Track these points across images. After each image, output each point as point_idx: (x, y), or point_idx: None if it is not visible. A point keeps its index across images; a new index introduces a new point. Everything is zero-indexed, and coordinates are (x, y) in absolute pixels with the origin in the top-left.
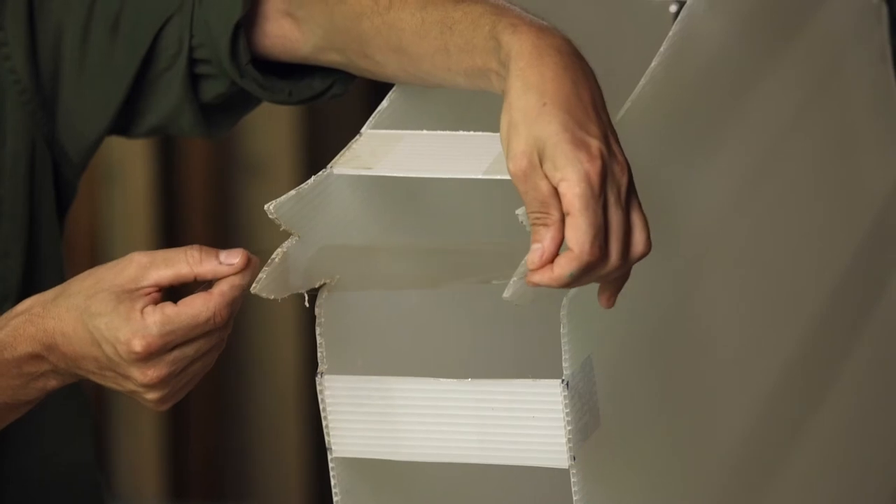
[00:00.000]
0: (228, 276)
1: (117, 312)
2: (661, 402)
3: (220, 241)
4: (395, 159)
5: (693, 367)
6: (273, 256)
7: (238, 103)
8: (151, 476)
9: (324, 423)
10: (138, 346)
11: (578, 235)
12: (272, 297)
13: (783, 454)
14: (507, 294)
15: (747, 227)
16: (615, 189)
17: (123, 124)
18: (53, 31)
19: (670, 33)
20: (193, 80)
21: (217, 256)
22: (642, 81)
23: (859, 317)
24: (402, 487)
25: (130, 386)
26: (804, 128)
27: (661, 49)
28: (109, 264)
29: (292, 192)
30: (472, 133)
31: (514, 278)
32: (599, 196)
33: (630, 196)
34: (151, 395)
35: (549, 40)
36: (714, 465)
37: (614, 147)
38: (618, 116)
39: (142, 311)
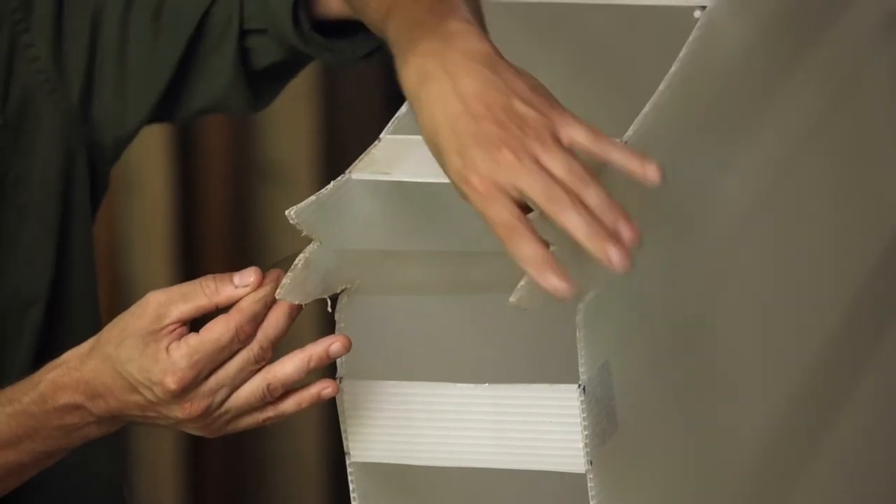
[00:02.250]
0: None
1: (146, 355)
2: (680, 408)
3: (239, 247)
4: (414, 165)
5: (712, 373)
6: (296, 262)
7: (285, 71)
8: (170, 484)
9: (342, 428)
10: (171, 383)
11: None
12: (296, 302)
13: (803, 461)
14: (513, 299)
15: (767, 233)
16: (533, 137)
17: (166, 111)
18: (88, 27)
19: (689, 39)
20: (244, 53)
21: (232, 281)
22: (661, 87)
23: (880, 324)
24: (419, 492)
25: (174, 422)
26: (824, 136)
27: (681, 55)
28: (131, 310)
29: (312, 198)
30: None
31: (521, 283)
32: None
33: (546, 126)
34: (197, 426)
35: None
36: (732, 472)
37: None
38: (635, 122)
39: (167, 350)
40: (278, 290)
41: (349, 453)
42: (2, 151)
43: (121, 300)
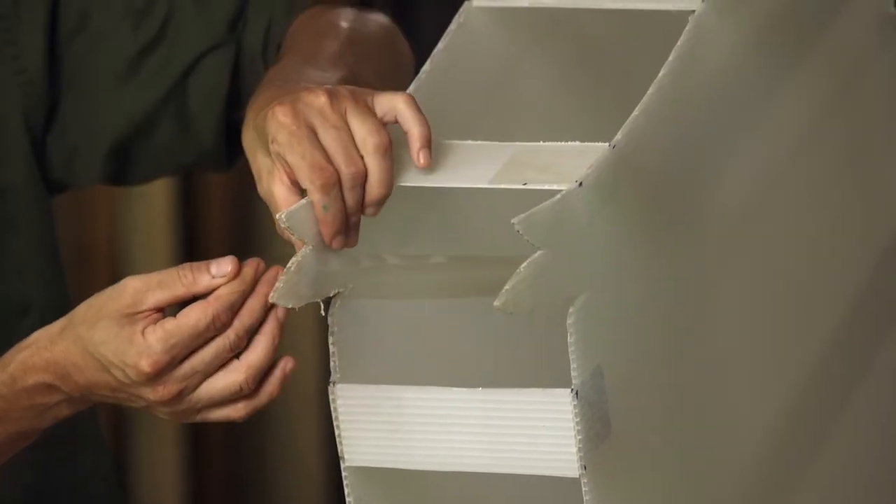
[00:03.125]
0: (224, 286)
1: (120, 338)
2: (674, 412)
3: (240, 249)
4: (406, 169)
5: (708, 376)
6: (289, 265)
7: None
8: (170, 487)
9: (336, 433)
10: (146, 366)
11: (296, 172)
12: (289, 305)
13: (802, 466)
14: (498, 302)
15: (765, 235)
16: (317, 116)
17: (118, 171)
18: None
19: (679, 42)
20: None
21: (209, 271)
22: (650, 90)
23: (882, 325)
24: (414, 496)
25: (145, 403)
26: (822, 138)
27: (670, 58)
28: (106, 291)
29: (304, 201)
30: (479, 142)
31: (506, 286)
32: (300, 134)
33: (341, 111)
34: (167, 411)
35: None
36: (729, 476)
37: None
38: (624, 126)
39: (143, 332)
40: (272, 294)
41: (344, 458)
42: None
43: None
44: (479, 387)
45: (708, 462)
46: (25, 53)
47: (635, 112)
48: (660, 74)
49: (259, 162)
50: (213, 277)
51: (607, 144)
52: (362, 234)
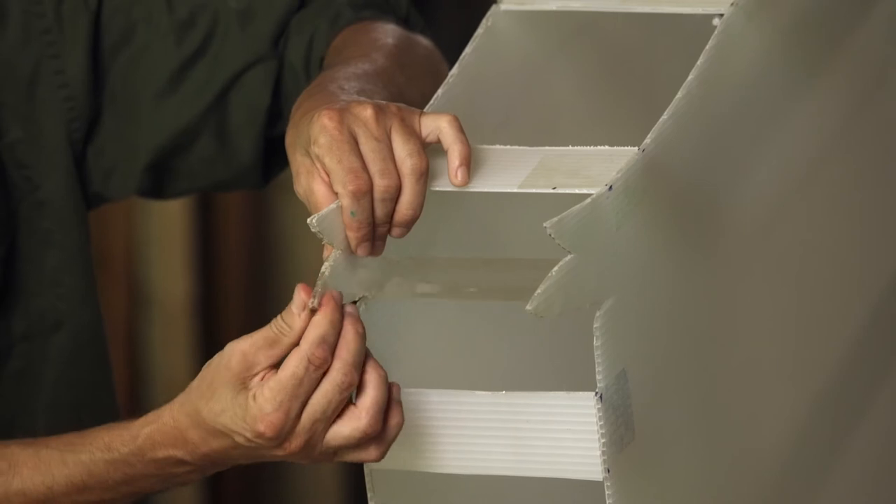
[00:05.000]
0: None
1: (236, 404)
2: (698, 416)
3: (255, 259)
4: (433, 173)
5: (732, 381)
6: (322, 270)
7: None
8: (187, 488)
9: None
10: (264, 429)
11: (331, 176)
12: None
13: (824, 469)
14: (530, 306)
15: (789, 241)
16: (361, 126)
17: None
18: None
19: (707, 46)
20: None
21: (292, 311)
22: (678, 95)
23: None
24: (437, 499)
25: (283, 456)
26: (848, 141)
27: (699, 62)
28: (214, 361)
29: (333, 206)
30: (508, 147)
31: (539, 290)
32: (341, 139)
33: (386, 127)
34: (305, 459)
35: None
36: (752, 481)
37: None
38: (653, 130)
39: (254, 397)
40: (311, 300)
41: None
42: (27, 168)
43: (137, 308)
44: (503, 390)
45: (730, 466)
46: (69, 68)
47: (664, 116)
48: (689, 78)
49: (298, 161)
50: (299, 315)
51: (636, 148)
52: (388, 238)
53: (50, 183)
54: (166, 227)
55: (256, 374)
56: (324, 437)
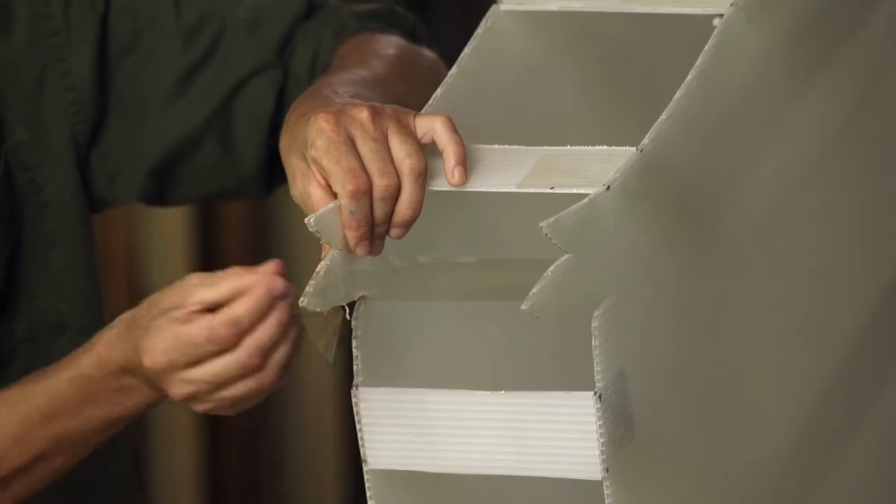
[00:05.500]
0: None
1: (147, 325)
2: (697, 415)
3: (256, 261)
4: (431, 173)
5: (731, 381)
6: (317, 269)
7: None
8: (187, 489)
9: (359, 436)
10: (146, 362)
11: (329, 177)
12: (317, 310)
13: (825, 470)
14: (525, 306)
15: (789, 241)
16: (358, 128)
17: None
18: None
19: (707, 46)
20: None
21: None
22: (678, 94)
23: None
24: (436, 499)
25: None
26: (848, 141)
27: (698, 62)
28: (171, 286)
29: (331, 206)
30: (506, 147)
31: (534, 290)
32: (338, 141)
33: (382, 128)
34: (192, 405)
35: None
36: (752, 481)
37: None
38: (651, 130)
39: (156, 329)
40: (301, 299)
41: (366, 461)
42: (32, 169)
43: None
44: (502, 390)
45: (730, 466)
46: (75, 70)
47: (663, 116)
48: (688, 78)
49: (293, 165)
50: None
51: (635, 148)
52: (387, 237)
53: (54, 185)
54: (167, 231)
55: (183, 309)
56: (209, 394)
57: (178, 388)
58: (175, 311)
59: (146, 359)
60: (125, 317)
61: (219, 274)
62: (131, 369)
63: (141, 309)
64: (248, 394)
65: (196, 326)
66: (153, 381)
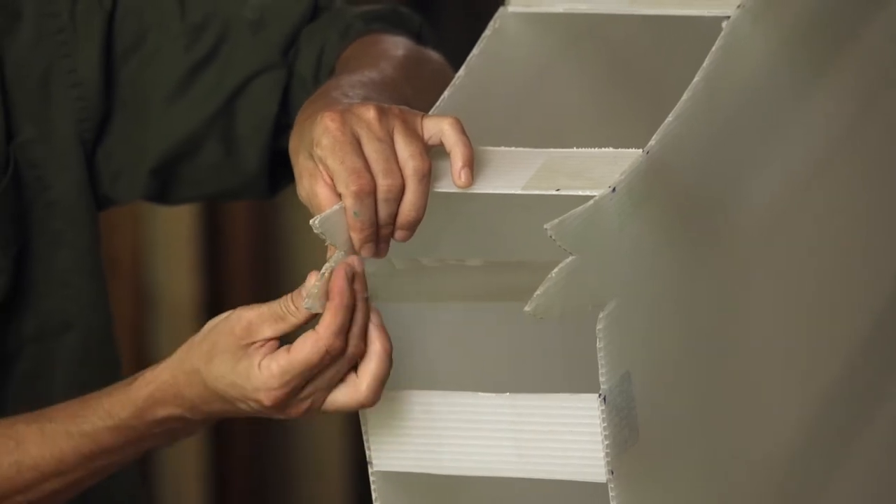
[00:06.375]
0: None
1: (237, 373)
2: (702, 417)
3: (262, 262)
4: (437, 174)
5: (735, 383)
6: (322, 271)
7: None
8: (193, 490)
9: (364, 438)
10: (266, 400)
11: (334, 177)
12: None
13: (829, 471)
14: (528, 308)
15: (794, 242)
16: (364, 128)
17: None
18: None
19: (713, 48)
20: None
21: (302, 295)
22: (684, 96)
23: None
24: (442, 501)
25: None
26: (853, 142)
27: (705, 64)
28: (217, 326)
29: (336, 207)
30: (511, 149)
31: (538, 292)
32: (343, 140)
33: (388, 128)
34: (300, 417)
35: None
36: (756, 482)
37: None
38: (658, 131)
39: (259, 366)
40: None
41: (372, 462)
42: (38, 167)
43: (144, 310)
44: (507, 392)
45: (733, 466)
46: (81, 68)
47: (669, 118)
48: (694, 80)
49: (301, 164)
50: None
51: (640, 150)
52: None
53: (61, 183)
54: (173, 230)
55: (255, 343)
56: (322, 404)
57: (293, 410)
58: (249, 346)
59: (264, 398)
60: (162, 371)
61: (273, 306)
62: (183, 416)
63: (193, 358)
64: (349, 403)
65: (307, 349)
66: (266, 413)
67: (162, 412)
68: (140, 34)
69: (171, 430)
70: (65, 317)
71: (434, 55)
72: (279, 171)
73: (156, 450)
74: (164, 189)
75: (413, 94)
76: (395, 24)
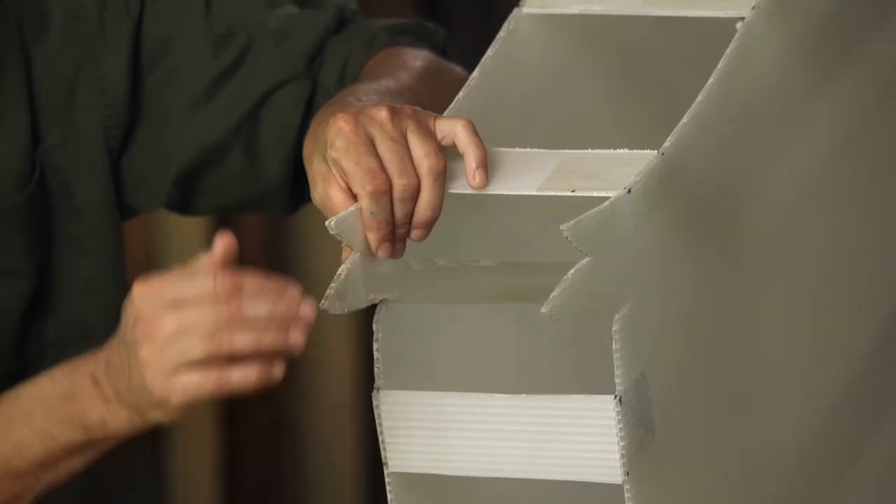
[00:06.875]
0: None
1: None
2: (718, 419)
3: (275, 266)
4: (452, 175)
5: (751, 384)
6: (339, 272)
7: None
8: (205, 491)
9: (380, 438)
10: (136, 297)
11: (349, 178)
12: (338, 312)
13: (844, 471)
14: (545, 309)
15: (806, 244)
16: (377, 128)
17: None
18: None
19: (728, 50)
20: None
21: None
22: (699, 97)
23: None
24: (457, 502)
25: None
26: (862, 144)
27: (719, 65)
28: None
29: (352, 209)
30: (527, 150)
31: (554, 293)
32: (357, 141)
33: (402, 128)
34: (145, 348)
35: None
36: (771, 483)
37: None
38: (672, 133)
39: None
40: (322, 302)
41: (387, 464)
42: (64, 173)
43: None
44: (522, 393)
45: (748, 468)
46: (108, 75)
47: (684, 119)
48: (709, 81)
49: (315, 168)
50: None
51: (655, 152)
52: (408, 240)
53: (86, 190)
54: (186, 236)
55: None
56: (180, 343)
57: (170, 345)
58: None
59: (134, 287)
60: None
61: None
62: (98, 379)
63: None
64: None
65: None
66: (137, 342)
67: (85, 367)
68: (166, 43)
69: (82, 405)
70: (87, 323)
71: (456, 68)
72: (301, 183)
73: (73, 455)
74: (186, 198)
75: (431, 103)
76: (420, 37)
